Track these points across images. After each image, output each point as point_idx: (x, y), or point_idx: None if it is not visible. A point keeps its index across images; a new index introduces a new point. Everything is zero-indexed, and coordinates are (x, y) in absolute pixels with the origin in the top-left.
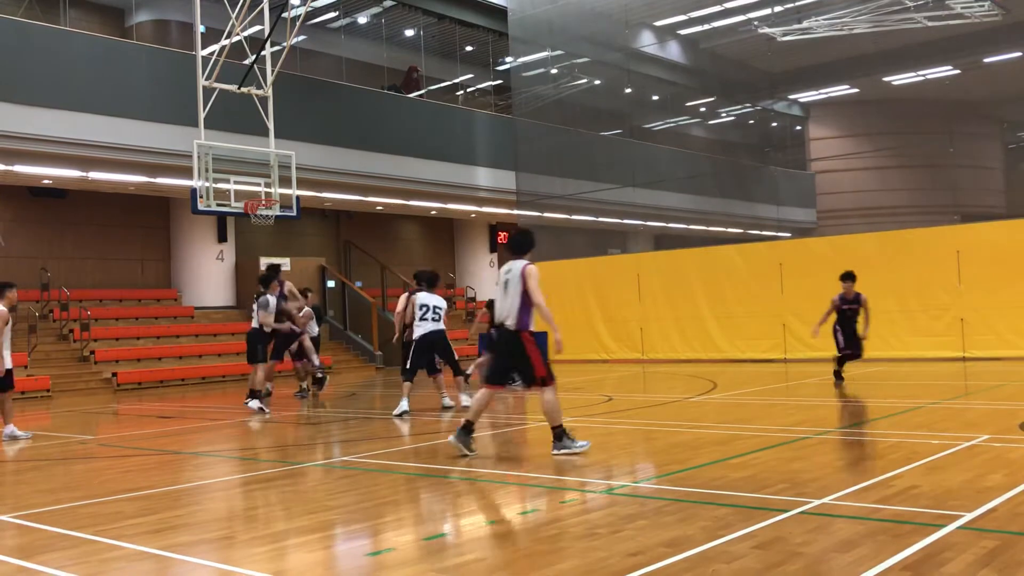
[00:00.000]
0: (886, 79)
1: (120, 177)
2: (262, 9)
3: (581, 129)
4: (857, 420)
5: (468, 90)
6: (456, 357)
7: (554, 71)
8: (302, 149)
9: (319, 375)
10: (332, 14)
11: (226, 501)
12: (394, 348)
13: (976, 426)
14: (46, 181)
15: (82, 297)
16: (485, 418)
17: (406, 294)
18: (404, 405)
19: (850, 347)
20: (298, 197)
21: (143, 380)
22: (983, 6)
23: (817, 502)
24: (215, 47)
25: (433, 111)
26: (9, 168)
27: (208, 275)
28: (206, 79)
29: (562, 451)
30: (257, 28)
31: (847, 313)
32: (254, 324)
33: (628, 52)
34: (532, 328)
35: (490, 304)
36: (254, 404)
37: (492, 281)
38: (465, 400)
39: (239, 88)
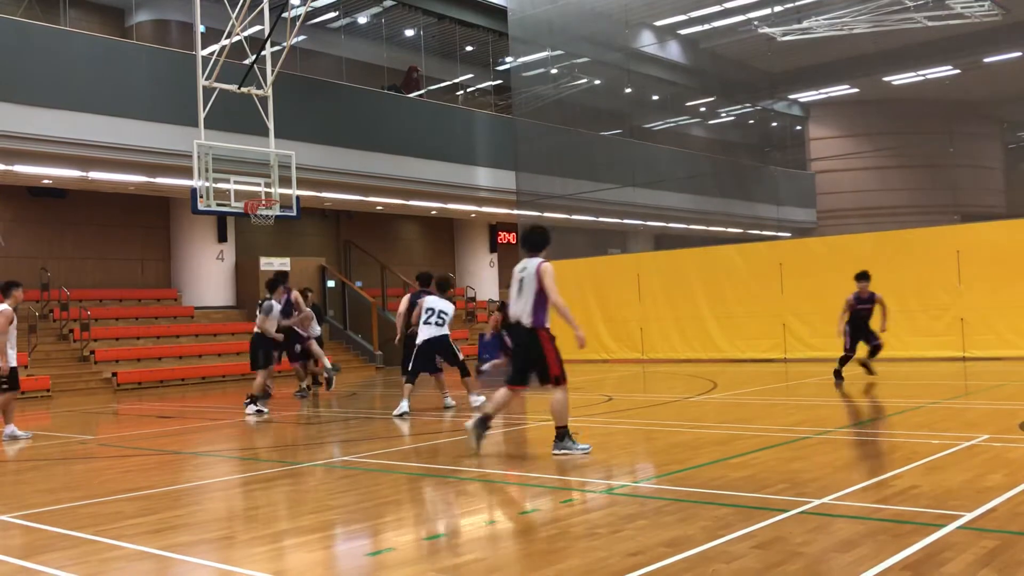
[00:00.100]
0: (886, 79)
1: (120, 177)
2: (262, 9)
3: (581, 129)
4: (857, 420)
5: (468, 90)
6: (461, 358)
7: (554, 71)
8: (302, 149)
9: (327, 375)
10: (332, 14)
11: (226, 501)
12: (394, 348)
13: (976, 426)
14: (46, 181)
15: (82, 297)
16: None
17: (408, 295)
18: (404, 406)
19: (854, 349)
20: (298, 197)
21: (143, 380)
22: (983, 6)
23: (817, 502)
24: (215, 47)
25: (433, 111)
26: (9, 168)
27: (208, 275)
28: (206, 79)
29: (562, 451)
30: (257, 28)
31: (861, 313)
32: (256, 329)
33: (628, 52)
34: (548, 325)
35: (502, 307)
36: (251, 409)
37: (492, 281)
38: (475, 400)
39: (239, 88)
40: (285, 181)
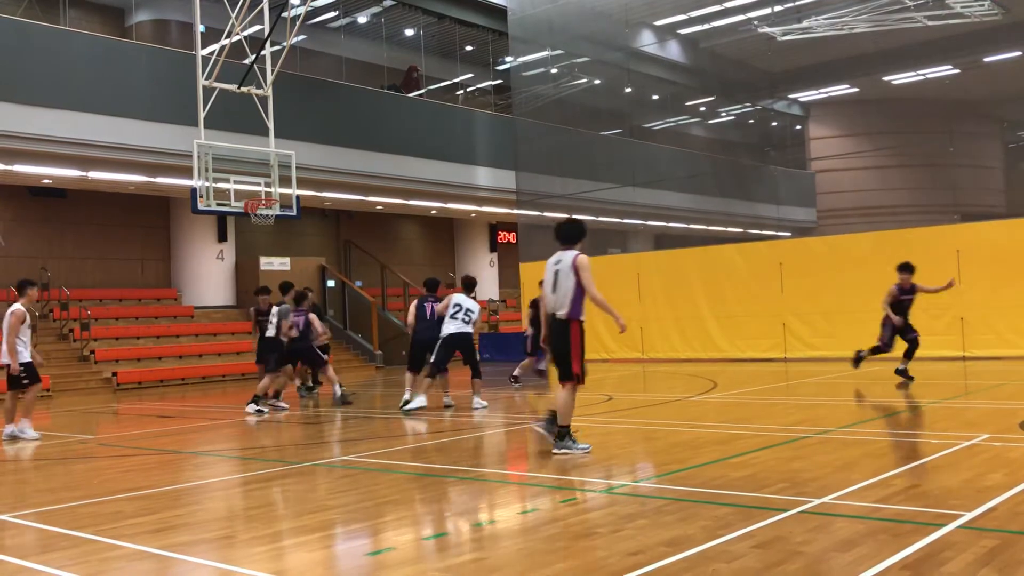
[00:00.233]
0: (886, 78)
1: (120, 177)
2: (262, 9)
3: (581, 129)
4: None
5: (468, 90)
6: (478, 359)
7: (554, 71)
8: (302, 149)
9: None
10: (332, 14)
11: (226, 501)
12: (396, 347)
13: (976, 425)
14: (46, 181)
15: (82, 297)
16: (488, 417)
17: (415, 302)
18: (420, 400)
19: (891, 346)
20: (298, 197)
21: (143, 380)
22: (983, 5)
23: (817, 501)
24: (215, 47)
25: (433, 111)
26: (9, 168)
27: (208, 275)
28: (206, 79)
29: (562, 451)
30: (257, 28)
31: (904, 304)
32: (270, 332)
33: (628, 52)
34: (583, 318)
35: (534, 303)
36: (251, 408)
37: (492, 280)
38: (477, 403)
39: (239, 88)
40: (285, 181)
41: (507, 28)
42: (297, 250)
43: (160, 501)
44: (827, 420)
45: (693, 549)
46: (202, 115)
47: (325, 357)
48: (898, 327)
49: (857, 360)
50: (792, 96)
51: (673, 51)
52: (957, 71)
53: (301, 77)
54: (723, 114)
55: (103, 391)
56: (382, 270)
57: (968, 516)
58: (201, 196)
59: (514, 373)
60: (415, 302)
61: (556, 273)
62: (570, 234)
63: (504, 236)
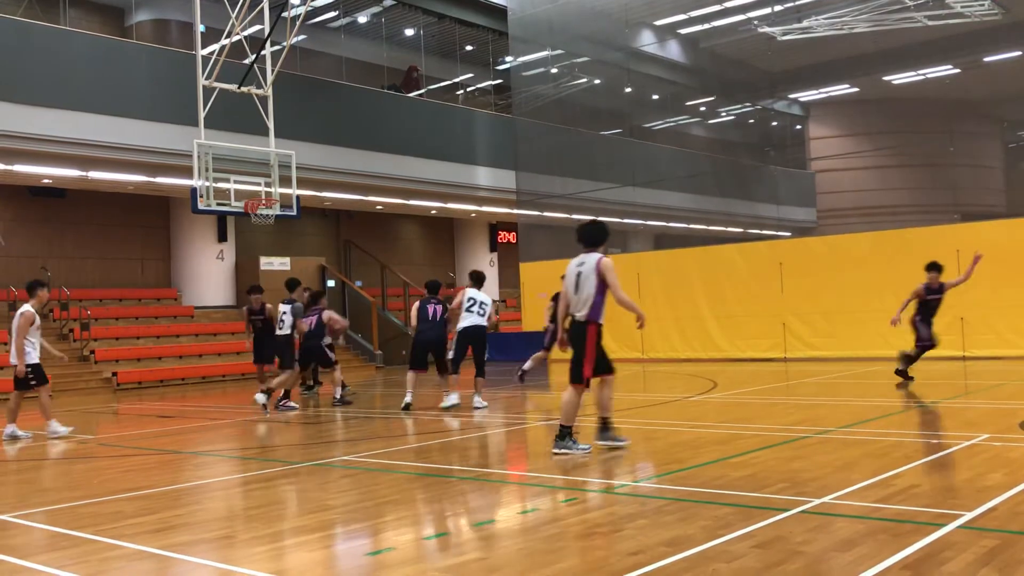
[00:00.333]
0: (886, 78)
1: (120, 176)
2: (262, 8)
3: (581, 128)
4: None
5: (468, 89)
6: (485, 356)
7: (554, 70)
8: (302, 149)
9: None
10: (332, 14)
11: (226, 500)
12: (395, 347)
13: (976, 425)
14: (46, 180)
15: (82, 296)
16: (488, 417)
17: (416, 303)
18: (453, 398)
19: (932, 338)
20: (298, 196)
21: (143, 380)
22: (983, 5)
23: (817, 501)
24: (215, 46)
25: (433, 111)
26: (9, 168)
27: (208, 275)
28: (206, 79)
29: (563, 451)
30: (257, 28)
31: (931, 303)
32: (285, 331)
33: (628, 51)
34: (601, 320)
35: (556, 298)
36: (260, 397)
37: (492, 280)
38: (478, 402)
39: (239, 88)
40: (285, 181)
41: (507, 28)
42: (297, 250)
43: (160, 501)
44: (827, 420)
45: (693, 549)
46: (202, 115)
47: (335, 358)
48: (927, 327)
49: (904, 374)
50: (792, 96)
51: (673, 51)
52: (957, 71)
53: (301, 77)
54: (723, 114)
55: (103, 391)
56: (382, 270)
57: (968, 516)
58: (201, 196)
59: (524, 367)
60: (417, 303)
61: (578, 275)
62: (593, 236)
63: (504, 236)
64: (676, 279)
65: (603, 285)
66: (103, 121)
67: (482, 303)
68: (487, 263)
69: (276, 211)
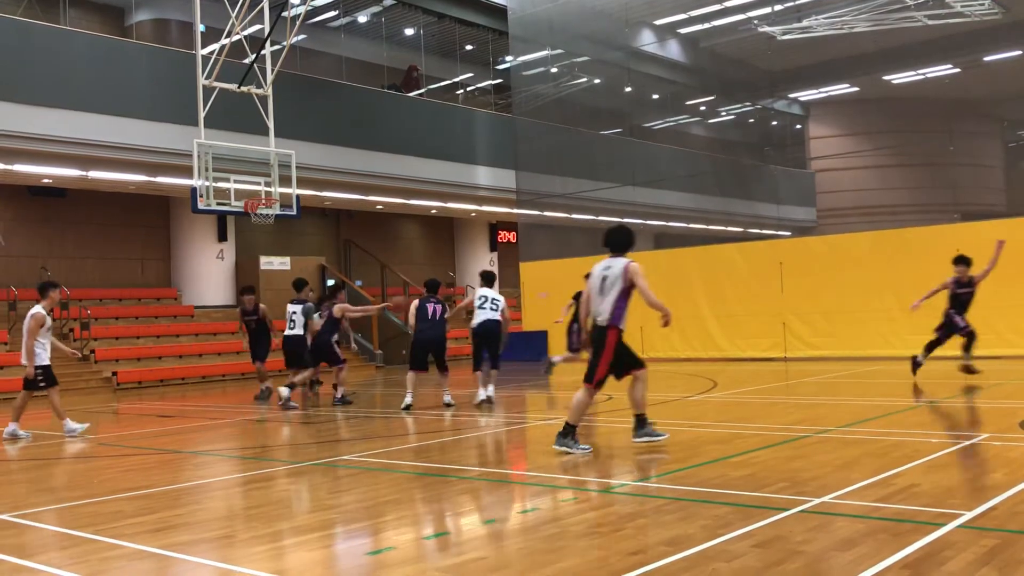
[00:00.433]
0: (886, 78)
1: (120, 176)
2: (262, 8)
3: (581, 128)
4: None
5: (468, 89)
6: (501, 350)
7: (554, 70)
8: (302, 148)
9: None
10: (332, 13)
11: (226, 500)
12: (395, 346)
13: (976, 425)
14: (46, 180)
15: (82, 296)
16: (488, 417)
17: (415, 302)
18: (483, 394)
19: (969, 327)
20: (298, 196)
21: (143, 379)
22: (983, 5)
23: (817, 501)
24: (215, 46)
25: (433, 110)
26: (9, 167)
27: (208, 274)
28: (206, 78)
29: (563, 447)
30: (257, 27)
31: (962, 297)
32: (298, 331)
33: (628, 51)
34: (622, 326)
35: (577, 296)
36: (284, 392)
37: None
38: (482, 394)
39: (239, 87)
40: (285, 180)
41: (507, 27)
42: (297, 250)
43: (160, 501)
44: (827, 419)
45: (693, 548)
46: (202, 115)
47: (343, 357)
48: (960, 317)
49: (969, 369)
50: (792, 95)
51: (673, 50)
52: (957, 70)
53: (301, 77)
54: (723, 113)
55: (103, 390)
56: (382, 269)
57: (968, 515)
58: (201, 195)
59: (554, 360)
60: (415, 302)
61: (604, 279)
62: (620, 242)
63: (504, 235)
64: (676, 279)
65: (627, 291)
66: (103, 121)
67: (494, 299)
68: (487, 263)
69: (276, 211)
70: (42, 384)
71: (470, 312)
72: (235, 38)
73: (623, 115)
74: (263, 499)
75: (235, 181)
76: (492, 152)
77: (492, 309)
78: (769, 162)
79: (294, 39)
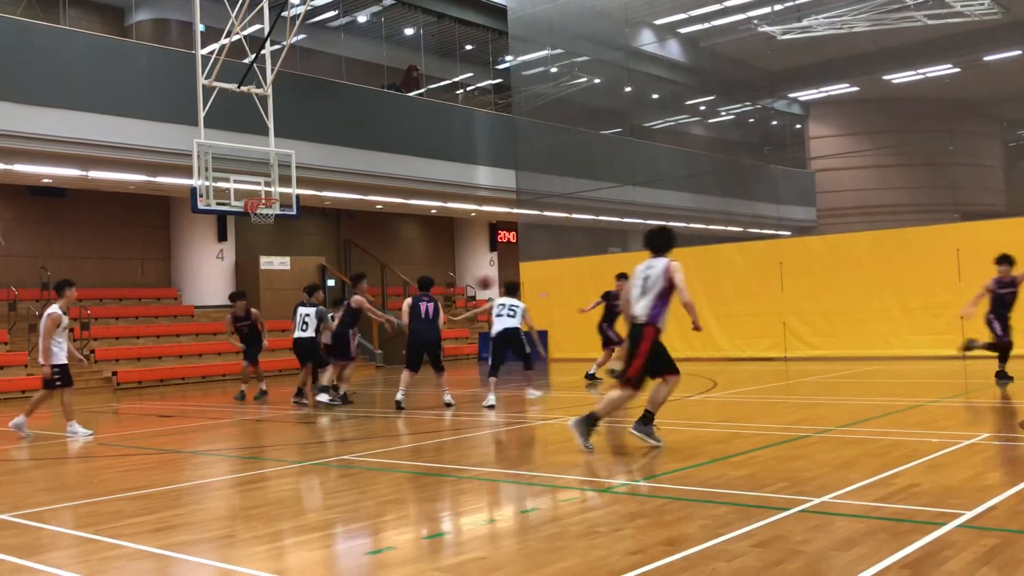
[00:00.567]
0: (886, 77)
1: (120, 176)
2: (262, 8)
3: (581, 128)
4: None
5: (468, 89)
6: (527, 351)
7: (554, 70)
8: (302, 148)
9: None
10: (332, 13)
11: (226, 500)
12: (394, 346)
13: (976, 424)
14: (46, 180)
15: (82, 296)
16: (488, 417)
17: (408, 299)
18: (491, 399)
19: (1007, 334)
20: (298, 196)
21: (143, 379)
22: (983, 4)
23: (817, 500)
24: (215, 46)
25: (433, 110)
26: (9, 167)
27: (208, 274)
28: (206, 78)
29: (575, 429)
30: (257, 27)
31: (1004, 298)
32: (310, 333)
33: (628, 51)
34: (660, 325)
35: (606, 295)
36: (324, 398)
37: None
38: (532, 394)
39: (239, 87)
40: (285, 180)
41: (507, 27)
42: (297, 249)
43: (160, 501)
44: (827, 419)
45: (693, 548)
46: (202, 114)
47: (353, 353)
48: (1001, 325)
49: (1003, 375)
50: (792, 95)
51: (673, 50)
52: (957, 70)
53: (301, 76)
54: (723, 113)
55: (103, 390)
56: (382, 269)
57: (968, 515)
58: (201, 195)
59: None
60: (408, 300)
61: (646, 279)
62: (662, 242)
63: (504, 235)
64: None
65: (667, 291)
66: (103, 121)
67: (512, 306)
68: (487, 262)
69: (276, 210)
70: (58, 383)
71: (487, 319)
72: (235, 38)
73: (623, 115)
74: (263, 499)
75: (235, 181)
76: (492, 152)
77: (509, 316)
78: (769, 162)
79: (294, 39)
